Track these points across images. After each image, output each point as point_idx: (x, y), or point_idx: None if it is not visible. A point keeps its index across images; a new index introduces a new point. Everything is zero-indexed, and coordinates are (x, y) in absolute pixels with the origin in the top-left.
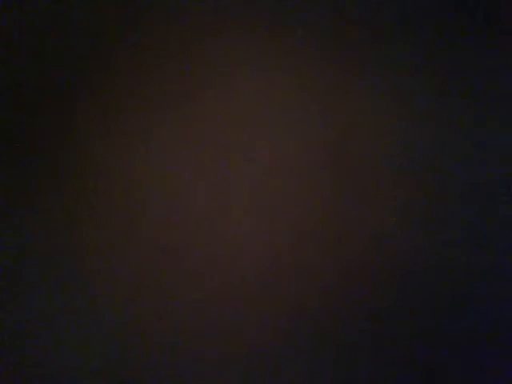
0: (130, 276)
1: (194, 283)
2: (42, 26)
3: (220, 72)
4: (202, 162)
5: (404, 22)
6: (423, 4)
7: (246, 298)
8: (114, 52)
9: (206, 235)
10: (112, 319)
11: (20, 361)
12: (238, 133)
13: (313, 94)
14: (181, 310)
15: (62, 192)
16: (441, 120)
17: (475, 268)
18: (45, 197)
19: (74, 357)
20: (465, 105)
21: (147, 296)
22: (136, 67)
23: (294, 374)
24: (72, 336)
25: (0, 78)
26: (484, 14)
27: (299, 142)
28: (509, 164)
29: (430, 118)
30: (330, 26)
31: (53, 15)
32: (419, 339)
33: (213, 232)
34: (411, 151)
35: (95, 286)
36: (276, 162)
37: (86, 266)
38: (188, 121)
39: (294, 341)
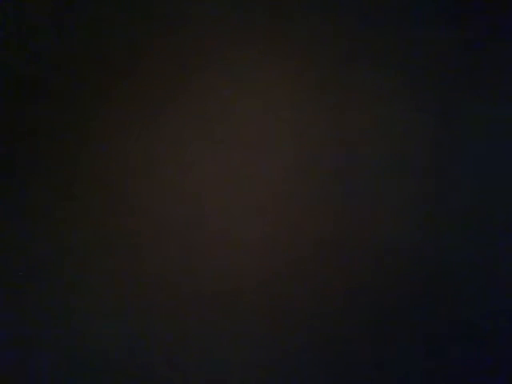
0: (130, 275)
1: (194, 282)
2: (42, 25)
3: (223, 74)
4: (203, 163)
5: (406, 23)
6: (425, 5)
7: (246, 297)
8: (114, 53)
9: (207, 235)
10: (112, 318)
11: (20, 359)
12: (240, 134)
13: (314, 95)
14: (181, 309)
15: (61, 192)
16: (443, 121)
17: (476, 268)
18: (45, 197)
19: (75, 356)
20: (467, 106)
21: (147, 295)
22: (137, 67)
23: (293, 373)
24: (72, 335)
25: (0, 79)
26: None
27: (300, 143)
28: (510, 165)
29: (433, 119)
30: (331, 27)
31: (52, 14)
32: (419, 338)
33: (213, 232)
34: (413, 152)
35: (96, 284)
36: (276, 163)
37: (86, 265)
38: (189, 122)
39: (292, 340)
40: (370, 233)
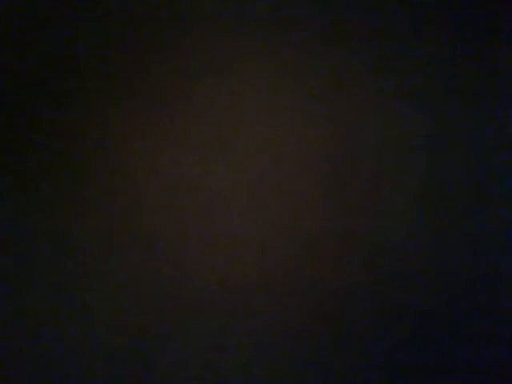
0: (130, 275)
1: (193, 282)
2: (43, 25)
3: (223, 73)
4: (204, 163)
5: (407, 23)
6: (426, 4)
7: (246, 299)
8: (114, 52)
9: (207, 235)
10: (112, 319)
11: (20, 359)
12: (240, 135)
13: (314, 95)
14: (180, 310)
15: (61, 191)
16: (443, 123)
17: (477, 269)
18: (44, 196)
19: (74, 356)
20: (467, 107)
21: (146, 295)
22: (136, 67)
23: (293, 372)
24: (71, 335)
25: (0, 77)
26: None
27: (301, 145)
28: (510, 166)
29: (435, 118)
30: (332, 26)
31: (52, 14)
32: (420, 339)
33: (214, 233)
34: (413, 154)
35: (94, 285)
36: (276, 165)
37: (85, 265)
38: (189, 121)
39: (292, 340)
40: (371, 233)
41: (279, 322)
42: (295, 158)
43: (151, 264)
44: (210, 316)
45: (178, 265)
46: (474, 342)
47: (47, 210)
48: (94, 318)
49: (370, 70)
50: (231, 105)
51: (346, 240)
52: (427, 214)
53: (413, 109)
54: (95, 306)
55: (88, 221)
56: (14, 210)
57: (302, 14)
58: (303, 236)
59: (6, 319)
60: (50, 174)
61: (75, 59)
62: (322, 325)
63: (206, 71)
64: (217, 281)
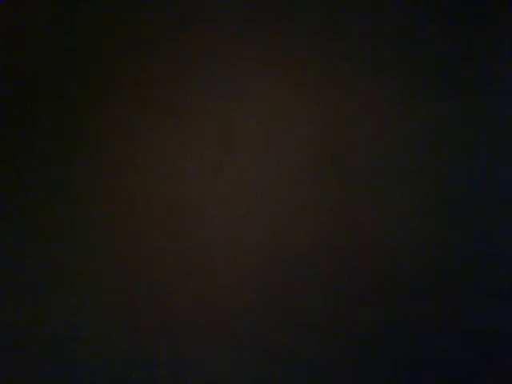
0: (129, 274)
1: (193, 282)
2: (44, 26)
3: (222, 73)
4: (203, 162)
5: (407, 21)
6: (425, 3)
7: (245, 298)
8: (115, 53)
9: (207, 234)
10: (112, 319)
11: (20, 359)
12: (240, 131)
13: (315, 92)
14: (179, 310)
15: (60, 191)
16: (444, 120)
17: (478, 268)
18: (43, 196)
19: (73, 356)
20: (468, 105)
21: (146, 296)
22: (139, 69)
23: (292, 373)
24: (70, 335)
25: (1, 77)
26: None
27: (303, 142)
28: (510, 165)
29: (434, 117)
30: (332, 24)
31: (54, 16)
32: (421, 340)
33: (214, 233)
34: (414, 152)
35: (94, 284)
36: (276, 165)
37: (84, 264)
38: (188, 120)
39: (292, 340)
40: (371, 234)
41: (280, 322)
42: (295, 157)
43: (151, 264)
44: (210, 316)
45: (178, 265)
46: (476, 343)
47: (47, 210)
48: (93, 318)
49: (369, 69)
50: (231, 105)
51: (347, 240)
52: (427, 214)
53: (413, 108)
54: (95, 306)
55: (87, 222)
56: (13, 211)
57: (302, 13)
58: (304, 236)
59: (5, 319)
60: (51, 175)
61: (72, 62)
62: (323, 325)
63: (204, 71)
64: (217, 281)
